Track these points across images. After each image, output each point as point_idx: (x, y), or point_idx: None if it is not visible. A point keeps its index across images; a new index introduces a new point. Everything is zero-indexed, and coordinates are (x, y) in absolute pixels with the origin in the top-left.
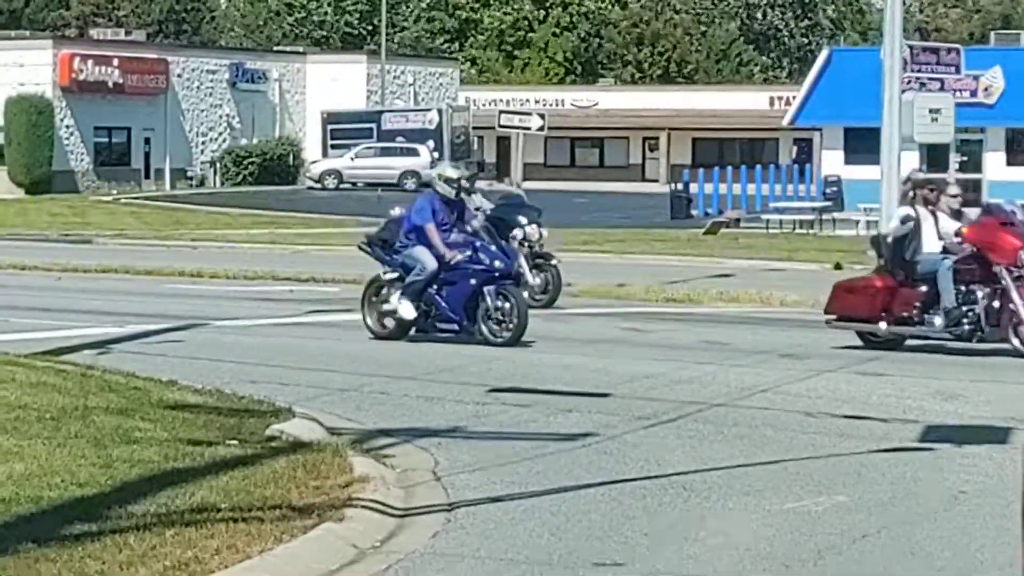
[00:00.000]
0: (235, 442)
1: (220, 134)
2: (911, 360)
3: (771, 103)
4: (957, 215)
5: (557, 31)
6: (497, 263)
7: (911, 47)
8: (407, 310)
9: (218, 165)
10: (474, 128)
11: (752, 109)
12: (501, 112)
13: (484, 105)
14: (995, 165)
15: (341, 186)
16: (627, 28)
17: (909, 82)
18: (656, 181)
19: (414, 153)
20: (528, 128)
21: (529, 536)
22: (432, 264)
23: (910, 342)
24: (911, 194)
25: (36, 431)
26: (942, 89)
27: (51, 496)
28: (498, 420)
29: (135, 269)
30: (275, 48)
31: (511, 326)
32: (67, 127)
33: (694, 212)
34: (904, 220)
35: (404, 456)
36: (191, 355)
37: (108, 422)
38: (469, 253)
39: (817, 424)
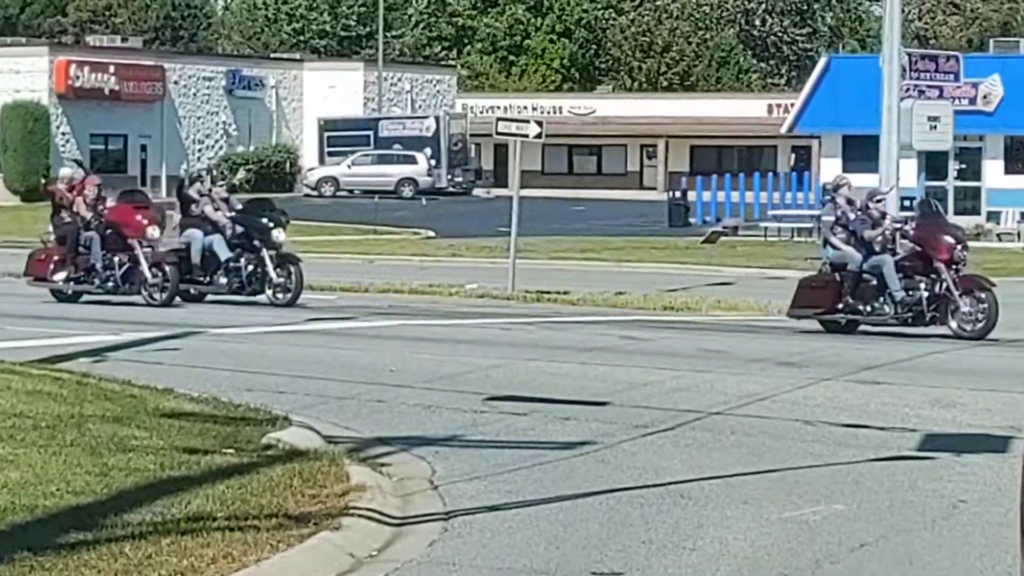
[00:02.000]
0: (231, 450)
1: (216, 141)
2: (909, 368)
3: (769, 110)
4: None
5: (554, 37)
6: None
7: (910, 55)
8: None
9: (214, 172)
10: (471, 135)
11: (750, 116)
12: (498, 120)
13: (481, 112)
14: (994, 173)
15: (338, 193)
16: (633, 35)
17: (908, 90)
18: (654, 189)
19: (411, 160)
20: (526, 136)
21: (526, 545)
22: None
23: None
24: None
25: (32, 439)
26: (941, 97)
27: (47, 505)
28: (495, 428)
29: None
30: (272, 55)
31: None
32: (63, 134)
33: (692, 220)
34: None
35: (401, 465)
36: (187, 363)
37: (104, 430)
38: None
39: (815, 432)
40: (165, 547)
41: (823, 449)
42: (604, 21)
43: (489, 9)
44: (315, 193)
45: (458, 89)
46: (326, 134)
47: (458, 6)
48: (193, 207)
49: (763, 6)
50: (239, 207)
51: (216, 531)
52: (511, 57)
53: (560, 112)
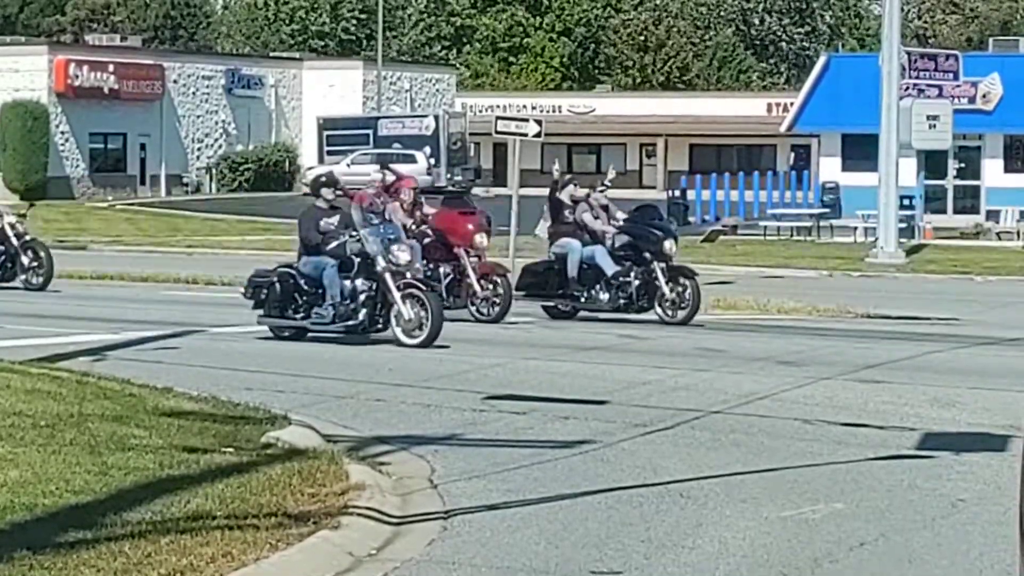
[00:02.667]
0: (231, 449)
1: (216, 140)
2: (909, 367)
3: (769, 109)
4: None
5: (553, 36)
6: None
7: (909, 54)
8: None
9: (214, 171)
10: (471, 134)
11: (750, 115)
12: (498, 119)
13: (481, 111)
14: (993, 172)
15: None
16: (631, 34)
17: (907, 88)
18: (653, 188)
19: (411, 159)
20: (525, 134)
21: (526, 544)
22: None
23: None
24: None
25: (31, 438)
26: (940, 96)
27: (46, 503)
28: (495, 427)
29: (130, 276)
30: (271, 54)
31: None
32: (62, 133)
33: (691, 219)
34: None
35: (400, 463)
36: (187, 362)
37: (103, 429)
38: None
39: (814, 431)
40: (164, 546)
41: (822, 448)
42: (603, 20)
43: (488, 9)
44: None
45: (457, 88)
46: (325, 133)
47: (457, 6)
48: (566, 213)
49: (762, 5)
50: (621, 215)
51: (215, 530)
52: (510, 57)
53: (559, 111)
